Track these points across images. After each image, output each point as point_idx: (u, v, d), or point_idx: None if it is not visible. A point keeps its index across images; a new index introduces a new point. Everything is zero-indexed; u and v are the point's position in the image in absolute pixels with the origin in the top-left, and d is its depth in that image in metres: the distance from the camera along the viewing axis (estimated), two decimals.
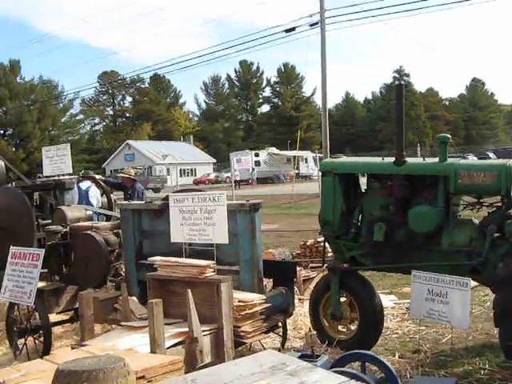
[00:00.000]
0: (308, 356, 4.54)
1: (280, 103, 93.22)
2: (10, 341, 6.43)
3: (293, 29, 26.13)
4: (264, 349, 5.83)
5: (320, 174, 6.53)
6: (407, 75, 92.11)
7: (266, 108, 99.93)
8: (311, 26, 25.91)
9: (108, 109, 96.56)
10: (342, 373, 2.87)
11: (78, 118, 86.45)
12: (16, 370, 3.59)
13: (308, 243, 11.01)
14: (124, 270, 6.45)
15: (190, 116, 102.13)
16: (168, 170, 68.90)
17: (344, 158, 6.51)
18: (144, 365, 3.20)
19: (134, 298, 5.67)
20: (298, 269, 7.73)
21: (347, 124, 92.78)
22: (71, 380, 1.09)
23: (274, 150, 65.87)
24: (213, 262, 4.94)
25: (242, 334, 4.88)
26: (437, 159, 5.70)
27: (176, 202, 5.37)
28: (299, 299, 7.68)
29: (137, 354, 3.68)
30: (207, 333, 4.52)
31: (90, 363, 1.14)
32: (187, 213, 5.24)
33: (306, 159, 61.66)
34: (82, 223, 6.92)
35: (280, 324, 5.94)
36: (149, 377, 3.06)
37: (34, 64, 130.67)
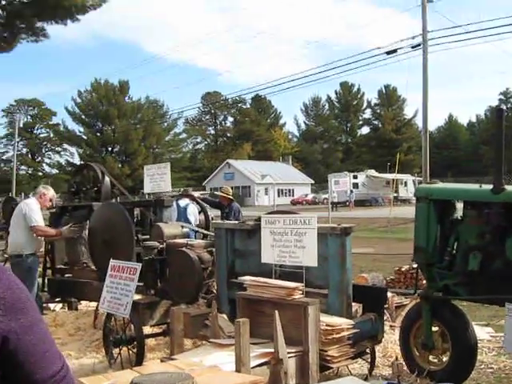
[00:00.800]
0: None
1: (380, 125, 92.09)
2: (106, 349, 6.69)
3: (394, 51, 25.82)
4: (351, 375, 5.77)
5: (415, 199, 6.41)
6: None
7: (365, 130, 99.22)
8: (413, 47, 25.54)
9: (210, 128, 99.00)
10: None
11: (181, 136, 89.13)
12: (106, 378, 3.76)
13: (403, 269, 10.81)
14: (216, 287, 6.59)
15: (290, 137, 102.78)
16: (266, 189, 69.55)
17: (440, 184, 6.37)
18: (226, 382, 3.26)
19: (224, 316, 5.78)
20: (390, 295, 7.61)
21: (449, 147, 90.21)
22: None
23: (372, 172, 64.97)
24: (302, 284, 4.96)
25: (328, 358, 4.86)
26: None
27: (267, 223, 5.45)
28: (390, 326, 7.54)
29: (221, 372, 3.75)
30: (293, 355, 4.54)
31: (161, 378, 1.21)
32: (278, 234, 5.30)
33: (405, 182, 60.45)
34: (177, 240, 7.14)
35: (368, 350, 5.86)
36: None
37: (141, 84, 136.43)
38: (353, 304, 5.62)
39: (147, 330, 7.13)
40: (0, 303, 1.48)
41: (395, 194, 44.92)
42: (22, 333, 1.52)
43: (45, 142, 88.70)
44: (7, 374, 1.53)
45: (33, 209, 7.80)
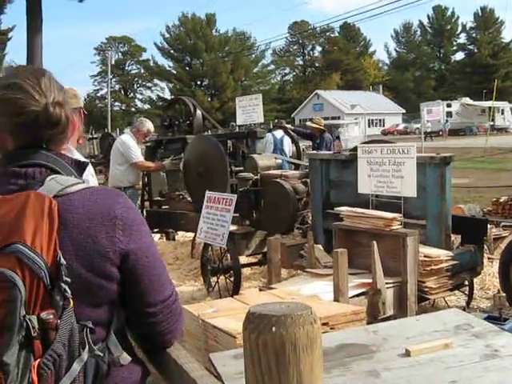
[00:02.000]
0: (495, 318, 4.38)
1: (476, 50, 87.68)
2: (204, 278, 6.91)
3: None
4: (448, 306, 5.70)
5: None
6: None
7: (460, 56, 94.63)
8: None
9: (298, 59, 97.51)
10: None
11: (269, 68, 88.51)
12: (208, 305, 3.88)
13: (501, 200, 10.43)
14: (311, 218, 6.61)
15: (380, 65, 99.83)
16: (356, 119, 68.48)
17: None
18: (328, 312, 3.29)
19: (320, 246, 5.80)
20: (488, 226, 7.39)
21: None
22: (261, 322, 1.15)
23: (467, 100, 62.40)
24: (399, 214, 4.88)
25: (426, 289, 4.81)
26: None
27: (364, 152, 5.35)
28: (488, 258, 7.35)
29: (321, 301, 3.78)
30: (391, 285, 4.52)
31: (278, 308, 1.20)
32: (375, 164, 5.21)
33: (502, 110, 57.78)
34: (272, 171, 7.17)
35: (466, 282, 5.76)
36: (331, 324, 3.16)
37: (228, 17, 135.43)
38: (451, 235, 5.50)
39: (243, 259, 7.28)
40: (119, 223, 1.54)
41: (491, 123, 43.07)
42: (139, 253, 1.58)
43: (136, 78, 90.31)
44: (123, 293, 1.60)
45: (130, 145, 7.94)
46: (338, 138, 11.77)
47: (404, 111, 76.54)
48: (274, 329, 1.14)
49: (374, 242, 4.37)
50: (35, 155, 1.57)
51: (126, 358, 1.59)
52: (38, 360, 1.35)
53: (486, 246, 7.15)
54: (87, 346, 1.46)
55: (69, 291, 1.40)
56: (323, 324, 3.09)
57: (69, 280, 1.40)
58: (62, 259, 1.41)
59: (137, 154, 7.98)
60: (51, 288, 1.38)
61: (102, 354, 1.50)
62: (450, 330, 2.11)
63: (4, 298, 1.34)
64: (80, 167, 1.68)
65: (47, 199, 1.43)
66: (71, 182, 1.54)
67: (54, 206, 1.43)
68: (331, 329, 3.13)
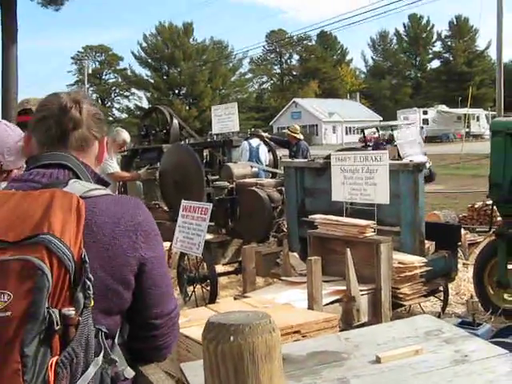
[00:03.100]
0: (469, 323, 4.41)
1: (451, 58, 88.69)
2: (180, 288, 6.87)
3: None
4: (423, 312, 5.73)
5: (490, 133, 6.17)
6: None
7: (435, 64, 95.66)
8: None
9: (275, 67, 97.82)
10: (503, 344, 2.76)
11: (246, 76, 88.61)
12: (183, 315, 3.85)
13: (476, 206, 10.55)
14: (286, 226, 6.61)
15: (357, 73, 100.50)
16: (334, 127, 68.70)
17: None
18: (300, 320, 3.28)
19: (295, 254, 5.80)
20: (463, 232, 7.46)
21: None
22: (219, 332, 1.15)
23: (443, 107, 63.00)
24: (373, 222, 4.90)
25: (401, 296, 4.83)
26: None
27: (337, 160, 5.37)
28: (463, 264, 7.42)
29: (294, 309, 3.78)
30: (365, 292, 4.52)
31: (237, 317, 1.19)
32: (348, 172, 5.23)
33: (477, 117, 58.43)
34: (247, 180, 7.16)
35: (441, 288, 5.80)
36: (303, 332, 3.15)
37: (205, 25, 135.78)
38: (425, 241, 5.54)
39: (219, 268, 7.25)
40: (141, 230, 1.56)
41: (467, 130, 43.50)
42: (156, 262, 1.59)
43: (113, 87, 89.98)
44: (132, 304, 1.59)
45: (105, 156, 7.83)
46: (389, 141, 11.53)
47: (381, 119, 77.01)
48: (232, 338, 1.14)
49: (348, 250, 4.38)
50: (60, 156, 1.61)
51: (130, 372, 1.57)
52: (56, 357, 1.33)
53: (460, 252, 7.23)
54: (102, 351, 1.44)
55: (91, 289, 1.39)
56: (295, 332, 3.09)
57: (92, 278, 1.39)
58: (86, 257, 1.40)
59: (113, 164, 7.90)
60: (74, 284, 1.37)
61: (117, 360, 1.49)
62: (421, 336, 2.11)
63: (31, 286, 1.31)
64: (100, 184, 1.69)
65: (75, 197, 1.45)
66: (94, 187, 1.57)
67: (81, 205, 1.44)
68: (303, 337, 3.12)
